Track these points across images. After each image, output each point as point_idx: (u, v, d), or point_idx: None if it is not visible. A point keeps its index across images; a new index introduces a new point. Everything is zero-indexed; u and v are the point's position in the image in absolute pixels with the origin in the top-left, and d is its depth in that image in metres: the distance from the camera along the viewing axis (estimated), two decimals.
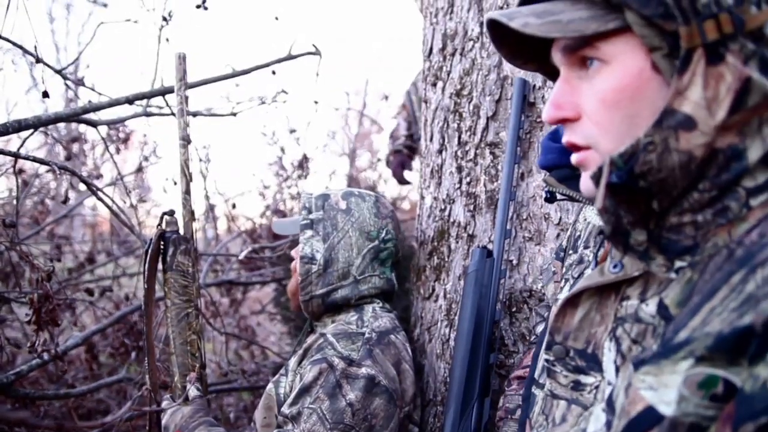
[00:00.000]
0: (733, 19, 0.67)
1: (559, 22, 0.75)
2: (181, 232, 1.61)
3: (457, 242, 1.64)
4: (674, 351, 0.66)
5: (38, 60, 1.72)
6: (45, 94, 1.80)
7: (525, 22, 0.76)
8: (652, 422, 0.66)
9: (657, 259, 0.77)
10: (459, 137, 1.67)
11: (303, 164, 4.18)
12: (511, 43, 0.89)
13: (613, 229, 0.78)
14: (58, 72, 2.24)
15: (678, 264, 0.75)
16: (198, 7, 2.73)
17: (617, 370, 0.79)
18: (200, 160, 3.03)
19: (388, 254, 1.64)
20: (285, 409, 1.41)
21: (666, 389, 0.65)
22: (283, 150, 4.31)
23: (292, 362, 1.56)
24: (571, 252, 1.08)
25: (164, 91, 2.24)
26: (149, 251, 1.54)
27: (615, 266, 0.81)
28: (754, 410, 0.57)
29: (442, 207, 1.70)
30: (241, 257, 2.36)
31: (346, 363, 1.42)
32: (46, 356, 1.84)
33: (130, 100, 2.18)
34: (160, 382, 1.65)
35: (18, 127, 1.75)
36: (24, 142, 1.96)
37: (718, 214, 0.72)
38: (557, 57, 0.82)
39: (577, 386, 0.86)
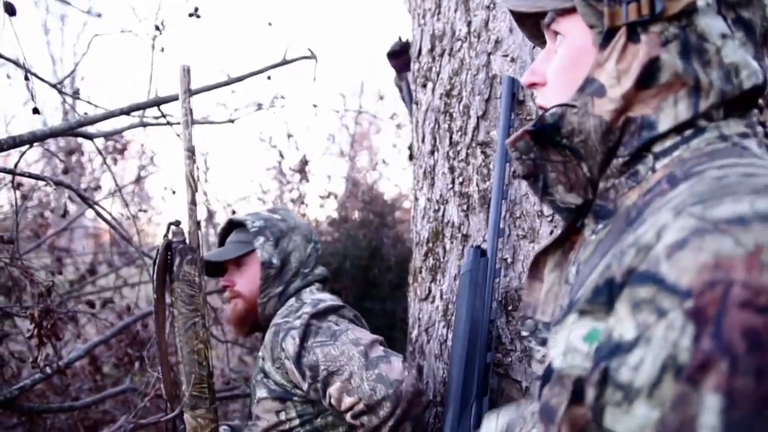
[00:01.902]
0: (651, 3, 0.74)
1: (534, 4, 0.87)
2: (188, 242, 1.62)
3: (452, 242, 1.65)
4: (570, 308, 0.68)
5: (26, 77, 1.73)
6: (35, 111, 1.80)
7: (514, 4, 0.91)
8: (548, 378, 0.68)
9: (590, 225, 0.85)
10: (450, 138, 1.67)
11: (303, 168, 4.19)
12: (529, 24, 1.00)
13: (528, 173, 0.87)
14: (54, 86, 2.25)
15: (599, 227, 0.82)
16: (191, 15, 2.74)
17: None
18: (198, 168, 3.03)
19: (320, 254, 1.91)
20: (331, 388, 1.52)
21: (558, 344, 0.68)
22: (281, 154, 4.33)
23: (267, 362, 1.67)
24: None
25: (159, 101, 2.25)
26: (156, 261, 1.56)
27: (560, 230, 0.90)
28: (598, 356, 0.59)
29: (436, 208, 1.71)
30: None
31: (308, 316, 1.62)
32: (49, 370, 1.85)
33: (125, 112, 2.19)
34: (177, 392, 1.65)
35: (13, 143, 1.76)
36: (21, 156, 1.98)
37: (630, 178, 0.78)
38: (545, 33, 0.92)
39: (544, 360, 0.87)
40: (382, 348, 1.56)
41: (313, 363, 1.54)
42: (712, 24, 0.74)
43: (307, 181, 4.11)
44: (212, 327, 2.87)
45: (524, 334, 0.95)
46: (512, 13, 0.98)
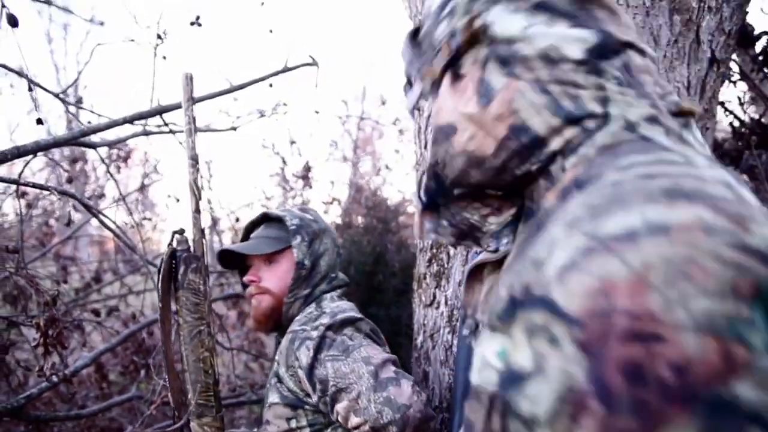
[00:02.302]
0: (449, 43, 0.77)
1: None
2: (192, 250, 1.63)
3: (456, 248, 1.65)
4: (490, 328, 0.64)
5: (30, 88, 1.74)
6: (39, 121, 1.82)
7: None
8: (467, 392, 0.66)
9: (520, 229, 0.79)
10: None
11: (306, 174, 4.20)
12: None
13: (456, 237, 0.85)
14: (57, 96, 2.26)
15: (521, 228, 0.78)
16: (192, 24, 2.75)
17: None
18: (201, 176, 3.04)
19: (341, 257, 1.89)
20: (338, 405, 1.49)
21: (476, 358, 0.65)
22: (284, 161, 4.34)
23: (281, 367, 1.64)
24: None
25: (162, 110, 2.26)
26: (161, 270, 1.56)
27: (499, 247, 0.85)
28: (500, 387, 0.57)
29: None
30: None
31: (323, 328, 1.58)
32: (55, 379, 1.86)
33: (128, 121, 2.20)
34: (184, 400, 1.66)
35: (17, 153, 1.77)
36: (25, 166, 1.99)
37: (545, 178, 0.73)
38: None
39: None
40: (393, 369, 1.51)
41: (323, 377, 1.51)
42: (504, 22, 0.73)
43: (311, 187, 4.12)
44: (218, 334, 2.88)
45: (465, 332, 0.94)
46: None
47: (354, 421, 1.45)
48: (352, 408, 1.46)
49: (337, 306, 1.69)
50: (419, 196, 0.84)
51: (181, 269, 1.56)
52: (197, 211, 1.61)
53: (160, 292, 1.56)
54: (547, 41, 0.71)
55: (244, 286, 1.85)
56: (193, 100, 1.62)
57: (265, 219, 1.88)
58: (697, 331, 0.45)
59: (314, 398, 1.55)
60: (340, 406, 1.48)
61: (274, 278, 1.78)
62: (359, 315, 1.68)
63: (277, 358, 1.71)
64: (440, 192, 0.82)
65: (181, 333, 1.58)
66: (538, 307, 0.54)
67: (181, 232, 1.60)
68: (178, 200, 3.68)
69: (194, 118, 1.62)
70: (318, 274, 1.77)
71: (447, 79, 0.78)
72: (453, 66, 0.77)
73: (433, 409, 1.65)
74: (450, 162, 0.78)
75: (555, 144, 0.70)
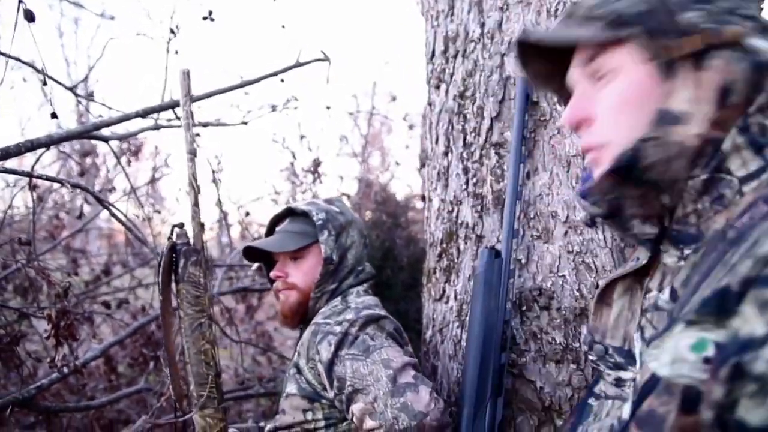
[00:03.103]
0: (711, 34, 0.81)
1: (570, 35, 0.92)
2: (192, 243, 1.63)
3: (466, 243, 1.65)
4: (675, 323, 0.70)
5: (45, 82, 1.75)
6: (54, 115, 1.82)
7: (541, 37, 0.96)
8: (652, 387, 0.69)
9: (670, 251, 0.88)
10: (464, 139, 1.68)
11: (315, 169, 4.21)
12: (535, 65, 1.05)
13: (610, 212, 0.89)
14: (69, 89, 2.27)
15: (686, 252, 0.85)
16: (205, 18, 2.76)
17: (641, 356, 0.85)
18: (213, 171, 3.04)
19: (368, 248, 1.88)
20: (354, 406, 1.48)
21: (663, 353, 0.69)
22: (294, 155, 4.34)
23: (301, 359, 1.65)
24: None
25: (174, 104, 2.26)
26: (161, 264, 1.57)
27: (634, 260, 0.94)
28: (726, 354, 0.62)
29: (450, 209, 1.72)
30: (254, 267, 2.37)
31: (348, 324, 1.58)
32: (66, 370, 1.87)
33: (140, 115, 2.21)
34: (184, 393, 1.67)
35: (31, 146, 1.78)
36: (38, 159, 2.00)
37: (715, 201, 0.81)
38: (574, 76, 0.95)
39: (619, 383, 0.94)
40: (413, 373, 1.49)
41: (341, 375, 1.50)
42: (761, 43, 0.81)
43: (320, 182, 4.12)
44: (226, 327, 2.89)
45: (592, 358, 0.99)
46: (516, 49, 1.03)
47: (369, 424, 1.43)
48: (368, 411, 1.44)
49: (362, 301, 1.69)
50: (617, 159, 0.85)
51: (181, 262, 1.57)
52: (196, 204, 1.63)
53: (160, 285, 1.58)
54: None
55: (271, 281, 1.85)
56: (190, 95, 1.64)
57: (290, 213, 1.87)
58: None
59: (331, 394, 1.55)
60: (355, 407, 1.47)
61: (301, 274, 1.78)
62: (383, 312, 1.67)
63: (298, 348, 1.70)
64: (633, 170, 0.84)
65: (182, 326, 1.60)
66: None
67: (181, 225, 1.61)
68: (187, 193, 3.68)
69: (192, 113, 1.64)
70: (345, 268, 1.77)
71: (689, 65, 0.82)
72: (701, 55, 0.81)
73: None
74: (663, 147, 0.82)
75: (748, 168, 0.80)
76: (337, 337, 1.55)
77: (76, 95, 2.16)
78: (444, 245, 1.73)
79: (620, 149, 0.85)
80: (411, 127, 5.47)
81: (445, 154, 1.75)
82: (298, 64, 2.37)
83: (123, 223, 1.89)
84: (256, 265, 2.04)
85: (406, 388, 1.44)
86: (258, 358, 3.83)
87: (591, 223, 1.00)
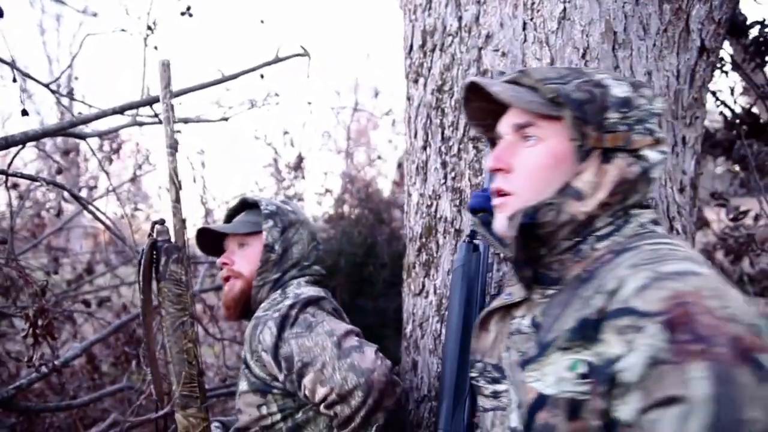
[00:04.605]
0: (625, 138, 1.04)
1: (522, 98, 1.09)
2: (173, 240, 1.61)
3: (445, 237, 1.65)
4: (546, 348, 0.94)
5: (14, 78, 1.73)
6: (24, 113, 1.80)
7: (500, 90, 1.10)
8: (541, 404, 0.92)
9: (536, 289, 1.11)
10: (442, 133, 1.68)
11: (298, 165, 4.20)
12: (474, 108, 1.25)
13: (516, 259, 1.09)
14: (45, 85, 2.25)
15: (549, 292, 1.08)
16: (183, 14, 2.74)
17: (512, 373, 1.07)
18: (192, 168, 3.03)
19: (321, 254, 1.90)
20: (305, 379, 1.50)
21: (546, 376, 0.93)
22: (276, 151, 4.33)
23: (246, 354, 1.66)
24: None
25: (153, 100, 2.25)
26: (142, 262, 1.54)
27: (507, 294, 1.17)
28: (599, 371, 0.86)
29: (429, 203, 1.72)
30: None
31: (287, 307, 1.60)
32: (44, 369, 1.85)
33: (118, 111, 2.19)
34: (165, 391, 1.65)
35: (5, 143, 1.76)
36: (14, 157, 1.98)
37: (575, 255, 1.06)
38: (506, 128, 1.15)
39: (496, 395, 1.14)
40: (356, 338, 1.54)
41: (288, 354, 1.52)
42: (653, 155, 1.06)
43: (303, 177, 4.11)
44: (209, 325, 2.88)
45: (474, 374, 1.22)
46: (467, 95, 1.23)
47: (320, 392, 1.47)
48: (318, 379, 1.47)
49: (299, 292, 1.69)
50: (525, 214, 1.05)
51: (163, 260, 1.55)
52: (177, 200, 1.60)
53: (140, 283, 1.55)
54: (655, 177, 1.09)
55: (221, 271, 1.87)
56: (170, 88, 1.60)
57: (246, 206, 1.91)
58: (737, 323, 0.79)
59: (281, 377, 1.55)
60: (306, 380, 1.49)
61: (245, 261, 1.79)
62: (321, 294, 1.70)
63: (245, 344, 1.71)
64: (530, 222, 1.05)
65: (163, 324, 1.57)
66: (623, 316, 0.86)
67: (162, 222, 1.59)
68: (168, 190, 3.66)
69: (172, 106, 1.60)
70: (289, 260, 1.78)
71: (598, 156, 1.04)
72: (610, 152, 1.04)
73: (422, 398, 1.66)
74: (558, 213, 1.04)
75: (602, 231, 1.05)
76: (276, 320, 1.57)
77: (53, 92, 2.14)
78: (423, 240, 1.73)
79: (525, 204, 1.06)
80: (393, 122, 5.46)
81: (424, 148, 1.75)
82: (278, 60, 2.35)
83: (102, 221, 1.88)
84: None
85: (351, 350, 1.49)
86: (241, 356, 3.82)
87: (472, 235, 1.31)
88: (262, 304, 1.71)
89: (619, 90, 1.06)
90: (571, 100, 1.04)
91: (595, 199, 1.03)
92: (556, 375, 0.90)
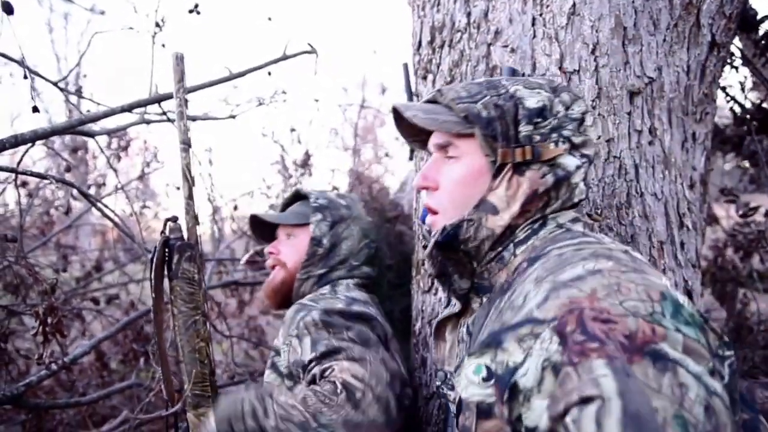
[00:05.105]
0: (533, 151, 1.07)
1: (436, 119, 1.14)
2: (186, 238, 1.60)
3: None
4: (468, 356, 0.96)
5: (26, 75, 1.73)
6: (35, 109, 1.80)
7: (414, 114, 1.15)
8: (460, 407, 0.95)
9: (474, 299, 1.17)
10: None
11: (306, 162, 4.19)
12: (405, 126, 1.26)
13: (438, 273, 1.17)
14: (54, 84, 2.25)
15: (483, 299, 1.14)
16: (191, 11, 2.73)
17: None
18: (200, 163, 3.03)
19: (372, 252, 1.85)
20: (307, 357, 1.48)
21: (461, 380, 0.96)
22: (284, 148, 4.33)
23: (280, 339, 1.64)
24: None
25: (161, 98, 2.24)
26: (154, 259, 1.53)
27: (453, 305, 1.24)
28: (503, 382, 0.88)
29: None
30: (242, 261, 2.36)
31: (333, 308, 1.58)
32: (54, 366, 1.86)
33: (126, 109, 2.19)
34: (176, 389, 1.64)
35: (15, 142, 1.76)
36: (23, 155, 1.98)
37: (498, 262, 1.11)
38: (431, 145, 1.20)
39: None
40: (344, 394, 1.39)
41: (327, 349, 1.49)
42: (569, 161, 1.09)
43: (310, 174, 4.11)
44: (217, 322, 2.88)
45: (437, 383, 1.27)
46: (397, 119, 1.27)
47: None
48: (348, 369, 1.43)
49: (351, 296, 1.67)
50: (442, 231, 1.11)
51: (175, 258, 1.53)
52: (190, 197, 1.57)
53: (152, 281, 1.54)
54: (576, 181, 1.12)
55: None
56: (184, 82, 1.57)
57: (300, 197, 1.91)
58: (633, 317, 0.81)
59: (308, 358, 1.51)
60: (315, 367, 1.46)
61: (291, 251, 1.79)
62: (373, 313, 1.65)
63: (281, 330, 1.68)
64: (454, 241, 1.10)
65: (176, 323, 1.55)
66: (524, 325, 0.89)
67: (174, 219, 1.57)
68: (177, 188, 3.67)
69: (186, 101, 1.57)
70: (337, 256, 1.76)
71: (509, 170, 1.07)
72: (521, 165, 1.07)
73: (431, 395, 1.65)
74: (478, 228, 1.09)
75: (520, 237, 1.10)
76: (320, 315, 1.55)
77: (61, 90, 2.14)
78: None
79: (449, 221, 1.11)
80: None
81: None
82: (285, 57, 2.35)
83: (110, 218, 1.88)
84: (245, 258, 2.03)
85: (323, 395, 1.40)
86: (250, 353, 3.83)
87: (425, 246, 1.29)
88: (310, 295, 1.70)
89: (532, 101, 1.09)
90: (479, 119, 1.08)
91: (509, 212, 1.08)
92: (465, 379, 0.94)
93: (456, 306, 1.22)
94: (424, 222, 1.27)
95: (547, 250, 1.02)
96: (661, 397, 0.74)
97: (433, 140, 1.19)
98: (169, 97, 2.19)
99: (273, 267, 1.82)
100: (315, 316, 1.54)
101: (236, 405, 1.45)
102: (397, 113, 1.25)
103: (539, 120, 1.08)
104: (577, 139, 1.11)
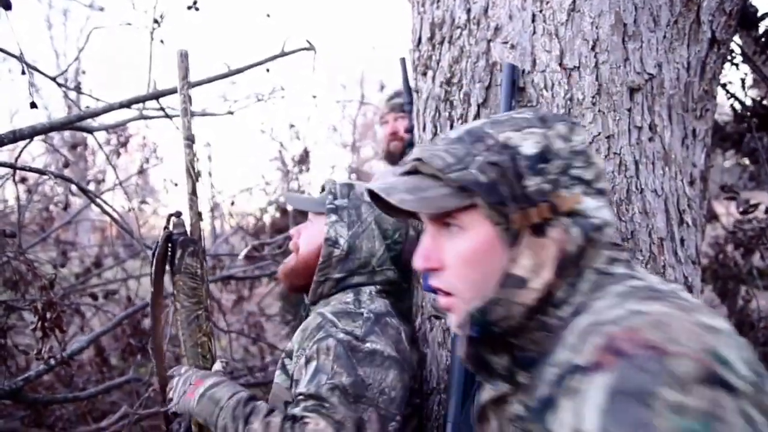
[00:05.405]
0: (550, 207, 0.91)
1: (427, 198, 0.96)
2: (189, 233, 1.59)
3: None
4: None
5: (23, 71, 1.73)
6: (33, 105, 1.80)
7: (401, 198, 0.97)
8: None
9: (521, 373, 0.99)
10: (451, 126, 1.67)
11: (304, 159, 4.20)
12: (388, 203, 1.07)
13: (476, 368, 1.01)
14: (53, 79, 2.25)
15: (533, 372, 0.96)
16: (189, 8, 2.74)
17: None
18: (198, 159, 3.02)
19: (396, 254, 1.71)
20: (302, 388, 1.42)
21: None
22: (282, 145, 4.33)
23: (295, 344, 1.56)
24: None
25: (159, 94, 2.25)
26: (156, 254, 1.52)
27: (494, 384, 1.05)
28: None
29: None
30: (241, 257, 2.36)
31: (351, 337, 1.46)
32: (52, 361, 1.86)
33: (125, 105, 2.19)
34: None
35: (13, 137, 1.76)
36: (21, 151, 1.98)
37: (544, 329, 0.95)
38: (424, 219, 1.04)
39: None
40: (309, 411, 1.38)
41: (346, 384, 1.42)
42: (588, 203, 0.94)
43: (308, 170, 4.11)
44: (217, 317, 2.88)
45: None
46: (375, 197, 1.07)
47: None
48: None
49: (375, 307, 1.58)
50: (474, 323, 0.95)
51: (178, 253, 1.52)
52: (194, 193, 1.57)
53: (153, 276, 1.54)
54: (605, 219, 0.97)
55: None
56: (188, 79, 1.57)
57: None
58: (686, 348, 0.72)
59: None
60: (302, 390, 1.41)
61: (306, 238, 1.71)
62: (390, 320, 1.58)
63: (297, 333, 1.62)
64: (486, 327, 0.96)
65: (178, 318, 1.55)
66: (569, 376, 0.81)
67: (178, 215, 1.56)
68: (176, 184, 3.67)
69: (190, 98, 1.57)
70: (357, 260, 1.65)
71: (530, 233, 0.92)
72: (541, 224, 0.92)
73: (431, 390, 1.65)
74: (509, 307, 0.93)
75: (556, 299, 0.94)
76: (334, 346, 1.45)
77: (60, 85, 2.14)
78: None
79: (469, 304, 0.95)
80: None
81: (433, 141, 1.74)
82: (284, 54, 2.35)
83: (109, 214, 1.88)
84: (243, 253, 2.02)
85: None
86: (250, 348, 3.83)
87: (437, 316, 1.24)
88: (333, 302, 1.62)
89: (528, 146, 0.94)
90: (479, 186, 0.92)
91: (540, 281, 0.92)
92: None
93: (498, 386, 1.04)
94: (432, 290, 1.09)
95: (589, 303, 0.91)
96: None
97: (427, 215, 1.03)
98: (167, 93, 2.20)
99: (293, 250, 1.75)
100: (331, 343, 1.46)
101: (213, 414, 1.43)
102: (375, 194, 1.06)
103: (543, 166, 0.93)
104: (588, 175, 0.96)
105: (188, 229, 1.58)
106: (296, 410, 1.40)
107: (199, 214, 1.60)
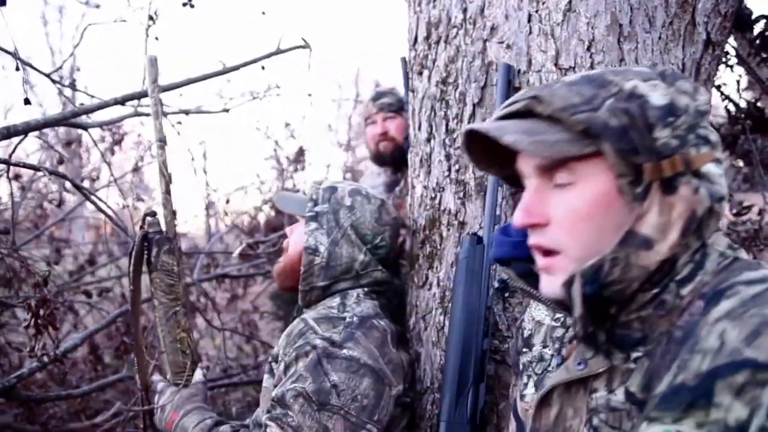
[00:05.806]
0: (684, 160, 0.83)
1: (545, 142, 0.85)
2: (164, 231, 1.63)
3: (449, 230, 1.65)
4: (641, 422, 0.79)
5: (17, 67, 1.72)
6: (26, 101, 1.80)
7: (516, 140, 0.85)
8: None
9: (615, 354, 0.90)
10: (446, 125, 1.67)
11: (299, 157, 4.20)
12: (479, 150, 0.99)
13: (585, 333, 0.89)
14: (48, 75, 2.24)
15: (634, 355, 0.88)
16: (184, 5, 2.73)
17: None
18: (193, 159, 3.02)
19: (381, 256, 1.69)
20: (275, 393, 1.44)
21: None
22: (277, 143, 4.33)
23: (279, 349, 1.57)
24: (525, 350, 1.15)
25: None
26: (133, 253, 1.56)
27: (579, 363, 0.93)
28: None
29: (432, 195, 1.71)
30: (234, 255, 2.37)
31: (327, 343, 1.46)
32: (45, 359, 1.86)
33: (119, 102, 2.18)
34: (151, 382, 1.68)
35: (7, 133, 1.76)
36: (15, 147, 1.97)
37: (657, 308, 0.86)
38: (528, 169, 0.93)
39: None
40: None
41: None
42: (713, 169, 0.85)
43: (303, 169, 4.11)
44: (211, 315, 2.88)
45: None
46: (466, 136, 0.96)
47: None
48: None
49: (360, 310, 1.56)
50: (586, 281, 0.85)
51: (154, 251, 1.56)
52: (168, 192, 1.62)
53: (131, 275, 1.58)
54: (723, 192, 0.87)
55: None
56: (158, 83, 1.63)
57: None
58: None
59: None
60: (272, 395, 1.45)
61: (293, 238, 1.70)
62: (377, 322, 1.56)
63: (283, 337, 1.62)
64: (598, 288, 0.85)
65: (156, 315, 1.59)
66: (739, 371, 0.70)
67: (153, 214, 1.60)
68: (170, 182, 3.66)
69: (161, 101, 1.64)
70: (339, 266, 1.62)
71: (658, 189, 0.82)
72: (670, 180, 0.83)
73: (425, 389, 1.66)
74: (625, 269, 0.83)
75: (683, 273, 0.85)
76: (306, 353, 1.46)
77: (54, 81, 2.14)
78: (427, 232, 1.73)
79: (577, 263, 0.86)
80: None
81: (428, 140, 1.74)
82: (279, 51, 2.35)
83: (103, 211, 1.88)
84: (237, 251, 2.03)
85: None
86: (244, 347, 3.82)
87: (502, 288, 1.20)
88: (318, 309, 1.60)
89: (657, 96, 0.85)
90: (609, 131, 0.82)
91: (666, 244, 0.83)
92: None
93: (588, 367, 0.92)
94: (500, 261, 1.05)
95: (728, 285, 0.81)
96: None
97: (532, 163, 0.91)
98: (162, 90, 2.19)
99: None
100: (308, 350, 1.45)
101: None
102: (474, 136, 0.95)
103: (672, 119, 0.84)
104: (713, 138, 0.87)
105: (163, 227, 1.62)
106: (265, 417, 1.44)
107: (174, 213, 1.64)
